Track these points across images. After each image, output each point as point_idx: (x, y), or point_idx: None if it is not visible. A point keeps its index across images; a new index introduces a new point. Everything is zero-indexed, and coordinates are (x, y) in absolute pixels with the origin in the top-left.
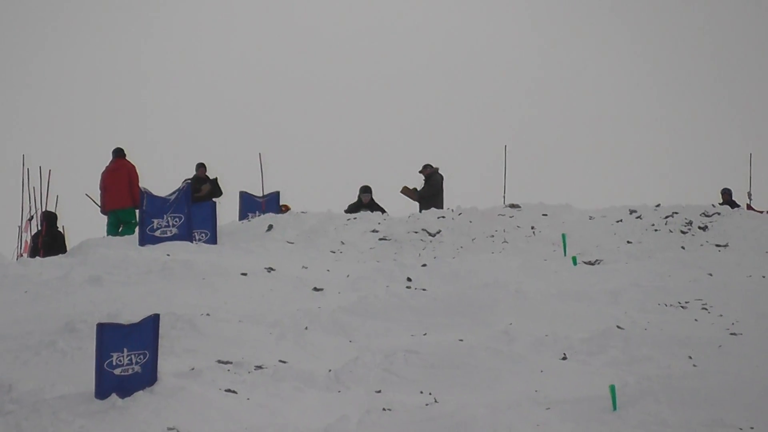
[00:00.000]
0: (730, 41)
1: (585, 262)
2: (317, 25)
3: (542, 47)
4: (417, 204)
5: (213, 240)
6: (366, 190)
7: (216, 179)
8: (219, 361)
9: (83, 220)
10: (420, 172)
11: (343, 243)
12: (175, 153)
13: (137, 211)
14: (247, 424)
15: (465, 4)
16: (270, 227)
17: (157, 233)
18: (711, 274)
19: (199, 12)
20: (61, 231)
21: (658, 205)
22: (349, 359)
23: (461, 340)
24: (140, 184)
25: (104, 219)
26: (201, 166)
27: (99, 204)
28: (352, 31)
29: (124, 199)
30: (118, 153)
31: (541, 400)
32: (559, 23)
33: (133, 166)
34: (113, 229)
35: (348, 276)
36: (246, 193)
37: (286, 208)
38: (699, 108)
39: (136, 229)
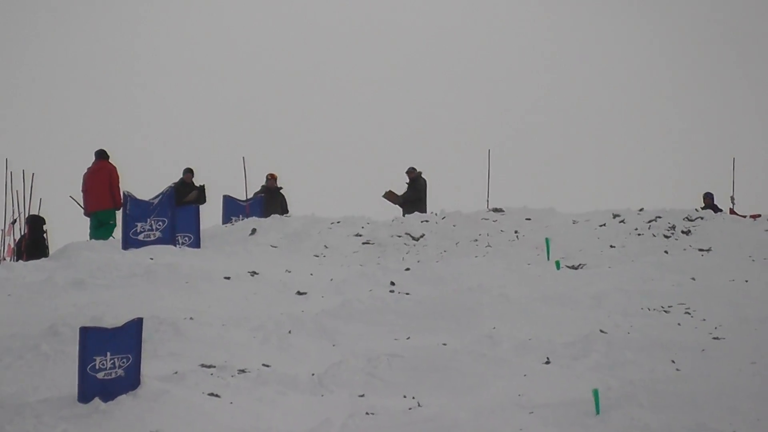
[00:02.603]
0: (712, 46)
1: (568, 266)
2: (301, 29)
3: (527, 52)
4: (400, 208)
5: (196, 244)
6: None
7: (203, 186)
8: (202, 365)
9: (67, 223)
10: (407, 172)
11: (326, 247)
12: (160, 156)
13: (118, 212)
14: (231, 428)
15: (450, 10)
16: (253, 231)
17: (141, 237)
18: (694, 279)
19: (183, 16)
20: (45, 236)
21: (641, 210)
22: (333, 363)
23: (445, 344)
24: (125, 188)
25: (87, 222)
26: (188, 171)
27: (82, 206)
28: (336, 34)
29: (105, 201)
30: (100, 154)
31: (524, 404)
32: (543, 28)
33: (114, 168)
34: (96, 232)
35: (331, 280)
36: (229, 196)
37: (273, 177)
38: (682, 112)
39: (115, 231)
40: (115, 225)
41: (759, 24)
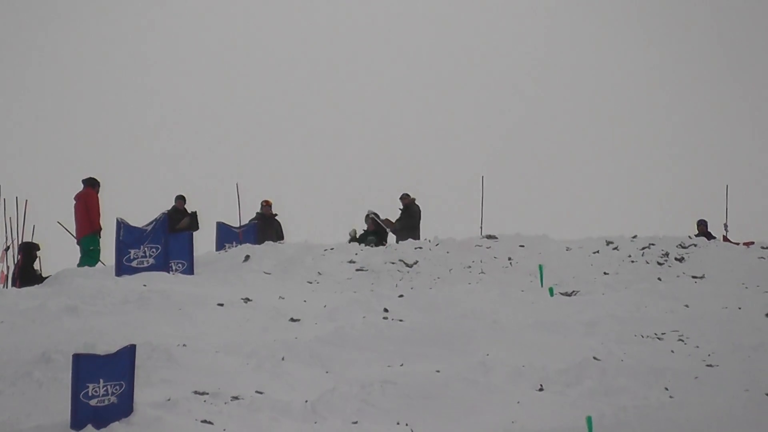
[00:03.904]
0: (706, 73)
1: (562, 293)
2: (293, 56)
3: (519, 76)
4: (394, 235)
5: (190, 270)
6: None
7: (195, 213)
8: (195, 392)
9: (60, 249)
10: (400, 198)
11: (320, 273)
12: (152, 182)
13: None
14: None
15: (439, 32)
16: (247, 258)
17: (134, 263)
18: (687, 306)
19: (176, 41)
20: (36, 267)
21: (634, 237)
22: (326, 390)
23: (438, 371)
24: (118, 215)
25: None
26: (180, 199)
27: (73, 233)
28: (328, 59)
29: (85, 227)
30: (84, 182)
31: (517, 431)
32: (534, 53)
33: (91, 192)
34: (81, 261)
35: (325, 306)
36: (223, 223)
37: (268, 203)
38: (676, 139)
39: (109, 258)
40: (96, 251)
41: (753, 51)
